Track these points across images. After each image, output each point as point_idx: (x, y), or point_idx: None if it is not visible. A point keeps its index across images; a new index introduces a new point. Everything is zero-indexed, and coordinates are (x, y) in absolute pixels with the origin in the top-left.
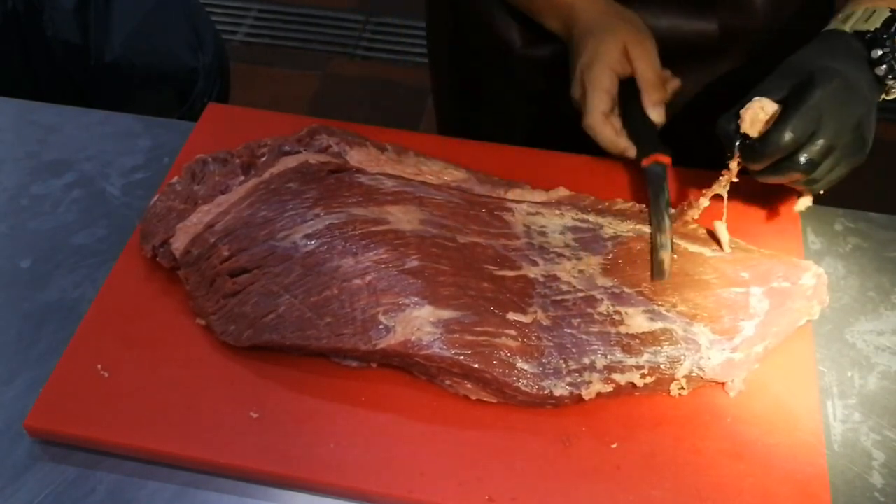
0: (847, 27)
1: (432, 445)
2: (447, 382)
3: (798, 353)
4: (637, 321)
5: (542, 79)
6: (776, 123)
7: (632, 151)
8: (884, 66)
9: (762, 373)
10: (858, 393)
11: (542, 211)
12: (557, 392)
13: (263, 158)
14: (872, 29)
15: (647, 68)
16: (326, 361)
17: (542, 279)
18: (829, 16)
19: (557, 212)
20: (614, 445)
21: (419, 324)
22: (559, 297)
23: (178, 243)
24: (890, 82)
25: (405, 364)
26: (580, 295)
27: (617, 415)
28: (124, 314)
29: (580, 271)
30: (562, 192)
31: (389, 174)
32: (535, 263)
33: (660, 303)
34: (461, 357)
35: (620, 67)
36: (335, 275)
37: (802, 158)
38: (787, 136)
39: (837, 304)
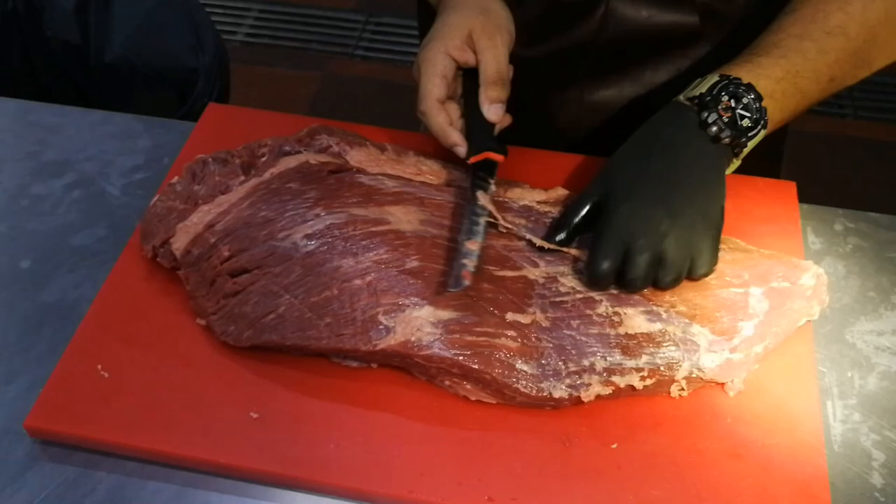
0: (682, 97)
1: (432, 445)
2: (447, 383)
3: (798, 354)
4: (636, 322)
5: (542, 79)
6: (589, 257)
7: (462, 149)
8: (714, 128)
9: (762, 373)
10: (858, 393)
11: (543, 212)
12: (557, 394)
13: (263, 158)
14: (698, 94)
15: (490, 62)
16: (326, 361)
17: (541, 280)
18: None
19: (557, 212)
20: (614, 445)
21: (419, 324)
22: (558, 299)
23: (179, 243)
24: (727, 141)
25: (405, 364)
26: (579, 296)
27: (617, 415)
28: (124, 314)
29: (580, 272)
30: (561, 192)
31: (390, 174)
32: (535, 264)
33: (659, 304)
34: (461, 357)
35: (459, 53)
36: (335, 275)
37: (629, 279)
38: (602, 266)
39: (837, 304)
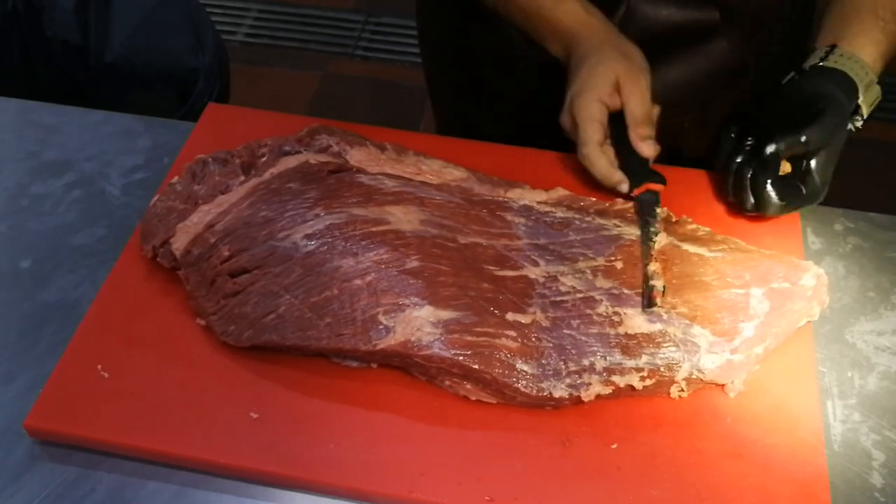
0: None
1: (432, 445)
2: (447, 383)
3: (798, 354)
4: (636, 322)
5: (545, 80)
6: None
7: (625, 185)
8: (859, 123)
9: (762, 373)
10: (858, 393)
11: (544, 212)
12: (557, 393)
13: (263, 158)
14: (867, 107)
15: (637, 104)
16: (326, 361)
17: (542, 280)
18: None
19: (558, 212)
20: (614, 445)
21: (419, 324)
22: (558, 298)
23: (179, 243)
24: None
25: (405, 364)
26: (579, 296)
27: (617, 415)
28: (124, 314)
29: (580, 272)
30: (561, 192)
31: (390, 174)
32: (535, 264)
33: (659, 304)
34: (461, 357)
35: (609, 99)
36: (335, 275)
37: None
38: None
39: (837, 304)
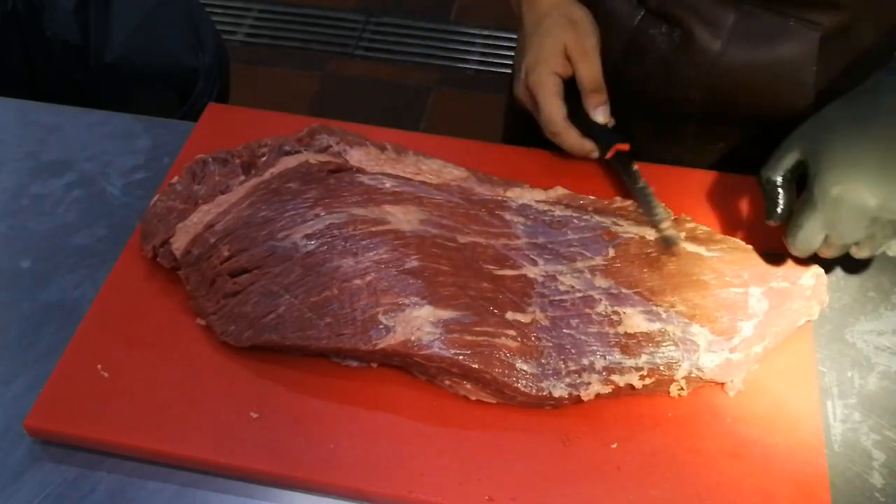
0: None
1: (432, 445)
2: (447, 383)
3: (798, 353)
4: (635, 321)
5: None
6: (791, 224)
7: (595, 152)
8: None
9: (762, 373)
10: (858, 393)
11: (542, 210)
12: (557, 393)
13: (263, 158)
14: None
15: (586, 72)
16: (326, 361)
17: (541, 279)
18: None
19: (557, 211)
20: (614, 445)
21: (419, 324)
22: (558, 298)
23: (179, 243)
24: None
25: (405, 364)
26: (578, 295)
27: (617, 415)
28: (124, 314)
29: (579, 271)
30: (560, 191)
31: (389, 174)
32: (534, 263)
33: (658, 303)
34: (461, 357)
35: (563, 69)
36: (335, 275)
37: (825, 257)
38: (803, 243)
39: (837, 304)
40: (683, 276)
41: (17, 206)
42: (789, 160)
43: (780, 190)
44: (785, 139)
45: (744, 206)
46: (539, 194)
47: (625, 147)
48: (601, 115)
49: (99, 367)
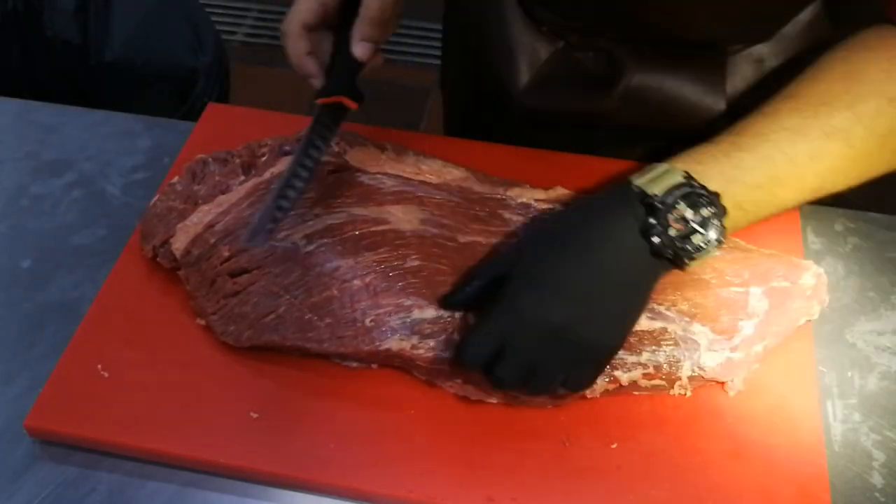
0: (635, 182)
1: (432, 445)
2: (447, 383)
3: (798, 353)
4: None
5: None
6: (464, 336)
7: (317, 82)
8: (657, 239)
9: (762, 373)
10: (858, 393)
11: (539, 209)
12: (560, 390)
13: (263, 158)
14: (651, 194)
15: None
16: (326, 362)
17: None
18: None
19: (555, 209)
20: (614, 445)
21: (419, 324)
22: None
23: (179, 243)
24: (669, 257)
25: (405, 365)
26: None
27: (617, 415)
28: (124, 314)
29: None
30: (560, 191)
31: (389, 174)
32: None
33: (659, 301)
34: None
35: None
36: (335, 275)
37: (495, 377)
38: (470, 354)
39: (837, 304)
40: (684, 274)
41: (17, 206)
42: (491, 270)
43: (467, 290)
44: (485, 265)
45: None
46: (539, 194)
47: (352, 105)
48: (361, 50)
49: (99, 367)
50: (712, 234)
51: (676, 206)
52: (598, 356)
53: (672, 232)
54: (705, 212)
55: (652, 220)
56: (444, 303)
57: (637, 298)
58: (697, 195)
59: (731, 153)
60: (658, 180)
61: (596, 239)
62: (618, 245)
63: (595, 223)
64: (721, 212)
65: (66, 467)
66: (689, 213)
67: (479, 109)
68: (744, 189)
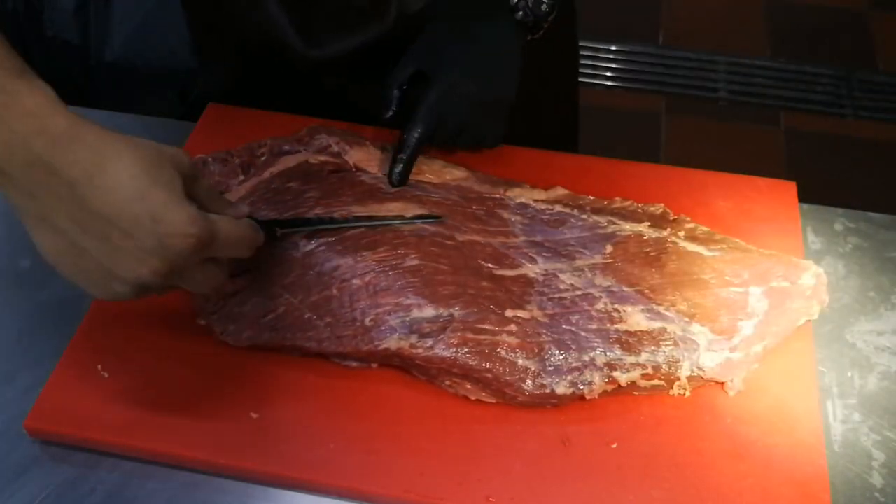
0: None
1: (432, 445)
2: (447, 383)
3: (798, 353)
4: (635, 319)
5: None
6: (406, 124)
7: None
8: (520, 13)
9: (762, 373)
10: (858, 393)
11: (540, 209)
12: (559, 391)
13: (263, 158)
14: None
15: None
16: (326, 361)
17: (541, 278)
18: None
19: (555, 209)
20: (614, 445)
21: (419, 324)
22: (557, 296)
23: None
24: (531, 24)
25: (405, 364)
26: (578, 293)
27: (617, 415)
28: (124, 314)
29: (579, 270)
30: (560, 191)
31: None
32: (534, 261)
33: (658, 302)
34: (461, 357)
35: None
36: (335, 275)
37: (439, 140)
38: (415, 135)
39: (837, 304)
40: (683, 274)
41: None
42: (407, 71)
43: (395, 93)
44: (402, 56)
45: (744, 206)
46: (539, 194)
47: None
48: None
49: (99, 367)
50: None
51: None
52: (504, 110)
53: (529, 4)
54: None
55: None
56: (385, 115)
57: (516, 59)
58: None
59: None
60: None
61: (481, 24)
62: (494, 24)
63: (477, 14)
64: None
65: (66, 467)
66: None
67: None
68: None
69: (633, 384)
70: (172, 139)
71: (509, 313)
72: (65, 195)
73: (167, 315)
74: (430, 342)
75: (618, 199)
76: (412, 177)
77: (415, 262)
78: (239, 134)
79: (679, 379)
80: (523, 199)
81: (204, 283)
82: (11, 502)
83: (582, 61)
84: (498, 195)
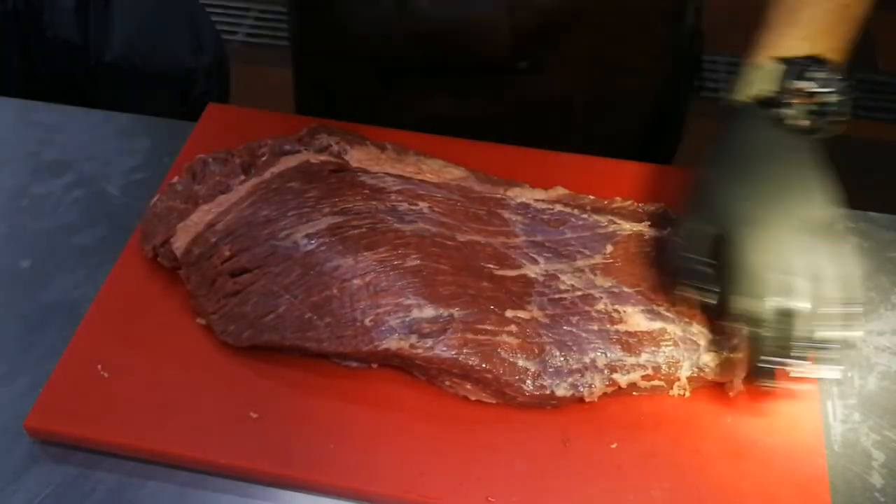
0: (749, 96)
1: (432, 445)
2: (447, 383)
3: None
4: (635, 320)
5: None
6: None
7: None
8: (799, 122)
9: None
10: (858, 393)
11: (541, 209)
12: (560, 392)
13: (264, 158)
14: (771, 91)
15: None
16: (326, 361)
17: (541, 278)
18: None
19: (555, 209)
20: (614, 445)
21: (419, 324)
22: (557, 296)
23: (179, 242)
24: (808, 125)
25: (405, 365)
26: (578, 293)
27: (617, 415)
28: (124, 314)
29: (580, 270)
30: (560, 190)
31: (390, 173)
32: (534, 262)
33: (658, 302)
34: (462, 357)
35: None
36: (335, 274)
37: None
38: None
39: None
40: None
41: (17, 206)
42: (706, 237)
43: (707, 272)
44: (681, 222)
45: None
46: (539, 194)
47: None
48: None
49: (99, 367)
50: (834, 84)
51: (788, 85)
52: (831, 237)
53: (807, 107)
54: (815, 73)
55: (782, 111)
56: (694, 286)
57: (818, 176)
58: (796, 65)
59: (788, 20)
60: (756, 82)
61: (762, 155)
62: (777, 145)
63: (748, 145)
64: (823, 63)
65: (66, 467)
66: (802, 84)
67: (332, 77)
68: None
69: (633, 385)
70: (172, 139)
71: (509, 314)
72: None
73: (167, 315)
74: (430, 342)
75: (618, 198)
76: (412, 176)
77: (415, 263)
78: (239, 134)
79: (679, 379)
80: (524, 199)
81: None
82: (11, 502)
83: None
84: (498, 195)
